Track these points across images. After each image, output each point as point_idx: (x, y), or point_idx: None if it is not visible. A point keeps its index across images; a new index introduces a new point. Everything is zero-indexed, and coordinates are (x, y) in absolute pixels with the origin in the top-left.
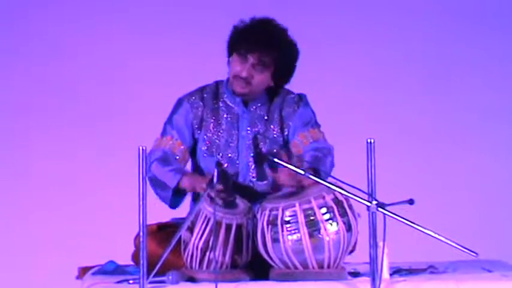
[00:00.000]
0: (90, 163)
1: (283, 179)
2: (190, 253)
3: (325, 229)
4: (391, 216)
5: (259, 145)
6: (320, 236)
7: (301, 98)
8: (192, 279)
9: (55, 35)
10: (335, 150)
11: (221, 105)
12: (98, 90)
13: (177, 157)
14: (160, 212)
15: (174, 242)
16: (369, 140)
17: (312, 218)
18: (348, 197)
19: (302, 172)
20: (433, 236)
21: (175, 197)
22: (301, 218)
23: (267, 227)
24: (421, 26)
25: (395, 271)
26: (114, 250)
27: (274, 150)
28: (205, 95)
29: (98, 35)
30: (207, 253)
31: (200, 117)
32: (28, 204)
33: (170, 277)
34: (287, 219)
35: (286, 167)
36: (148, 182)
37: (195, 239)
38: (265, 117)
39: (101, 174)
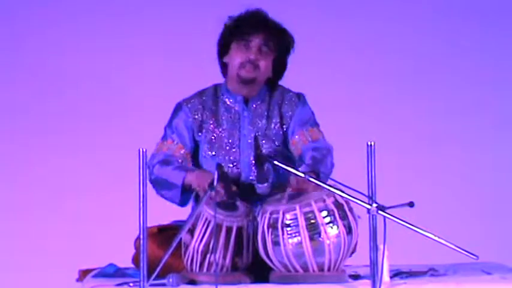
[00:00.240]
0: (91, 165)
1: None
2: (190, 256)
3: (326, 232)
4: (392, 219)
5: (260, 147)
6: (320, 239)
7: (300, 97)
8: (192, 282)
9: (55, 35)
10: (335, 153)
11: (221, 106)
12: (99, 91)
13: (179, 160)
14: (160, 215)
15: (174, 244)
16: (369, 143)
17: (312, 221)
18: (348, 199)
19: (302, 175)
20: (433, 239)
21: (183, 195)
22: (301, 221)
23: (268, 230)
24: (422, 26)
25: (396, 274)
26: (115, 253)
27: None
28: (204, 98)
29: (98, 35)
30: (208, 256)
31: (200, 119)
32: (28, 206)
33: (171, 280)
34: (288, 222)
35: (286, 169)
36: (152, 186)
37: (196, 242)
38: (266, 114)
39: (101, 176)
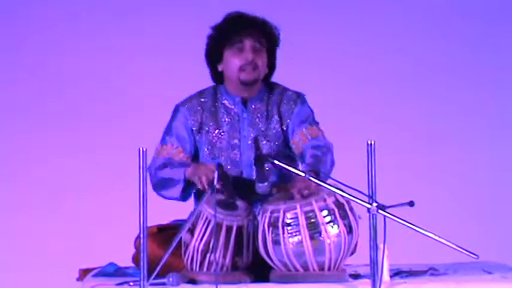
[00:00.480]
0: (91, 165)
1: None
2: (190, 255)
3: (326, 231)
4: (392, 218)
5: (260, 147)
6: (321, 238)
7: (299, 96)
8: (192, 281)
9: (55, 35)
10: (335, 152)
11: (220, 107)
12: (99, 91)
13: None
14: (160, 214)
15: (174, 243)
16: (369, 142)
17: (313, 220)
18: (349, 199)
19: (303, 174)
20: (433, 238)
21: (184, 190)
22: (302, 220)
23: (268, 229)
24: (421, 28)
25: (396, 273)
26: (115, 252)
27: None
28: (202, 99)
29: (98, 35)
30: (208, 255)
31: (199, 121)
32: (28, 206)
33: (171, 279)
34: (288, 221)
35: (287, 169)
36: (153, 189)
37: (196, 241)
38: (265, 115)
39: (101, 176)
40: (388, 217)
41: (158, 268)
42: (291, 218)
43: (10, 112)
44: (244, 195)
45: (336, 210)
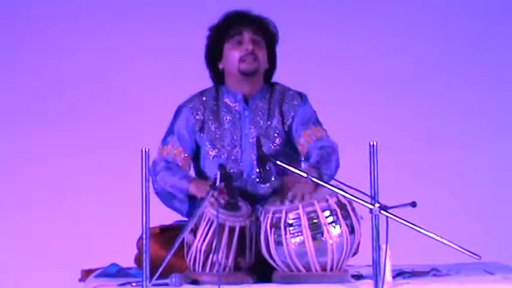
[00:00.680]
0: (93, 165)
1: (299, 190)
2: (193, 256)
3: (329, 232)
4: (394, 219)
5: (262, 147)
6: (323, 238)
7: (301, 96)
8: (195, 282)
9: (55, 35)
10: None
11: (222, 106)
12: (99, 91)
13: (179, 164)
14: (163, 215)
15: (177, 244)
16: (371, 143)
17: (315, 220)
18: (351, 199)
19: (305, 175)
20: (435, 239)
21: (190, 205)
22: (304, 220)
23: (270, 230)
24: (422, 28)
25: (398, 274)
26: (117, 253)
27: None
28: (204, 98)
29: (98, 35)
30: (210, 255)
31: (201, 120)
32: (31, 206)
33: (173, 279)
34: (290, 222)
35: (289, 169)
36: (156, 196)
37: (198, 242)
38: (266, 113)
39: (103, 177)
40: (390, 218)
41: (161, 269)
42: (293, 219)
43: (10, 112)
44: (245, 195)
45: (338, 210)
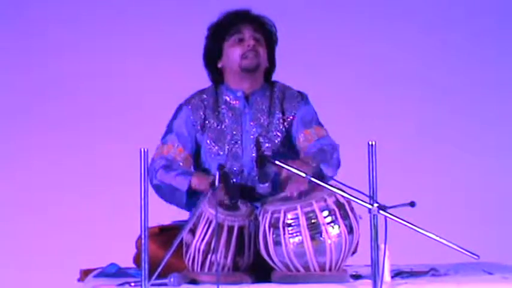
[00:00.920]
0: (92, 165)
1: (294, 188)
2: (192, 255)
3: (327, 232)
4: (393, 219)
5: (262, 147)
6: (322, 238)
7: (303, 95)
8: (194, 282)
9: (55, 35)
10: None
11: (222, 103)
12: (99, 91)
13: (180, 163)
14: (162, 215)
15: (176, 244)
16: (370, 143)
17: (313, 220)
18: (350, 199)
19: (303, 175)
20: (434, 239)
21: (189, 199)
22: (303, 220)
23: (269, 230)
24: (425, 26)
25: (397, 273)
26: (116, 253)
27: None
28: (204, 96)
29: (98, 35)
30: (209, 255)
31: (202, 118)
32: (30, 205)
33: (172, 279)
34: (289, 222)
35: (288, 169)
36: (154, 191)
37: (197, 241)
38: (267, 110)
39: (102, 176)
40: (389, 217)
41: (159, 268)
42: (291, 219)
43: (10, 112)
44: (244, 195)
45: (337, 210)
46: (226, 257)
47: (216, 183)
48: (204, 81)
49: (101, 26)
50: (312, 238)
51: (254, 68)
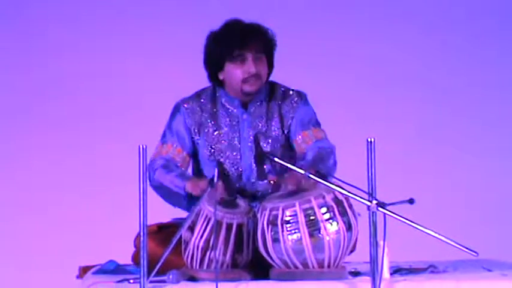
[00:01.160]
0: (91, 163)
1: (291, 184)
2: (190, 252)
3: (326, 229)
4: (392, 216)
5: (260, 144)
6: (320, 235)
7: (301, 96)
8: (192, 279)
9: (55, 35)
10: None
11: (220, 109)
12: (98, 90)
13: (178, 164)
14: (160, 212)
15: (174, 241)
16: (369, 139)
17: (312, 217)
18: (348, 196)
19: (302, 172)
20: (433, 236)
21: (189, 200)
22: (301, 217)
23: (267, 227)
24: (423, 25)
25: (396, 270)
26: (115, 250)
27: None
28: (202, 100)
29: (98, 35)
30: (208, 252)
31: (198, 122)
32: (29, 203)
33: (171, 276)
34: (287, 219)
35: (287, 166)
36: (154, 190)
37: (196, 239)
38: (265, 116)
39: (101, 174)
40: (388, 214)
41: (158, 266)
42: (290, 216)
43: (10, 112)
44: (243, 194)
45: (335, 207)
46: (225, 254)
47: (215, 179)
48: (203, 81)
49: (101, 26)
50: (311, 235)
51: (255, 92)
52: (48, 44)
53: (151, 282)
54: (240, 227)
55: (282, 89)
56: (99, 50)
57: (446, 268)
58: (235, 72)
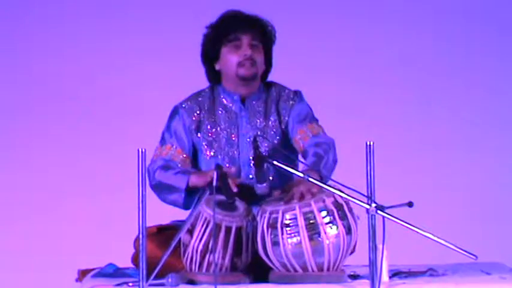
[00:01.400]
0: (90, 165)
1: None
2: (189, 256)
3: (325, 232)
4: (391, 219)
5: (259, 147)
6: (320, 239)
7: (297, 93)
8: (191, 282)
9: (55, 36)
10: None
11: (218, 106)
12: (98, 91)
13: (178, 165)
14: (160, 215)
15: (173, 244)
16: (368, 143)
17: (312, 221)
18: (348, 200)
19: (301, 175)
20: (432, 239)
21: (187, 198)
22: (301, 221)
23: (267, 230)
24: (425, 27)
25: (395, 274)
26: (114, 253)
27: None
28: (200, 99)
29: (98, 35)
30: (207, 255)
31: (197, 121)
32: (28, 205)
33: (170, 280)
34: (287, 222)
35: (286, 169)
36: (153, 191)
37: (195, 242)
38: (263, 112)
39: (100, 177)
40: (387, 218)
41: (157, 269)
42: (289, 219)
43: (11, 112)
44: (242, 196)
45: (335, 210)
46: (224, 258)
47: (214, 182)
48: (203, 81)
49: (101, 26)
50: (310, 238)
51: (251, 77)
52: (48, 44)
53: (150, 285)
54: (239, 230)
55: (278, 87)
56: (99, 50)
57: (445, 271)
58: (230, 57)
